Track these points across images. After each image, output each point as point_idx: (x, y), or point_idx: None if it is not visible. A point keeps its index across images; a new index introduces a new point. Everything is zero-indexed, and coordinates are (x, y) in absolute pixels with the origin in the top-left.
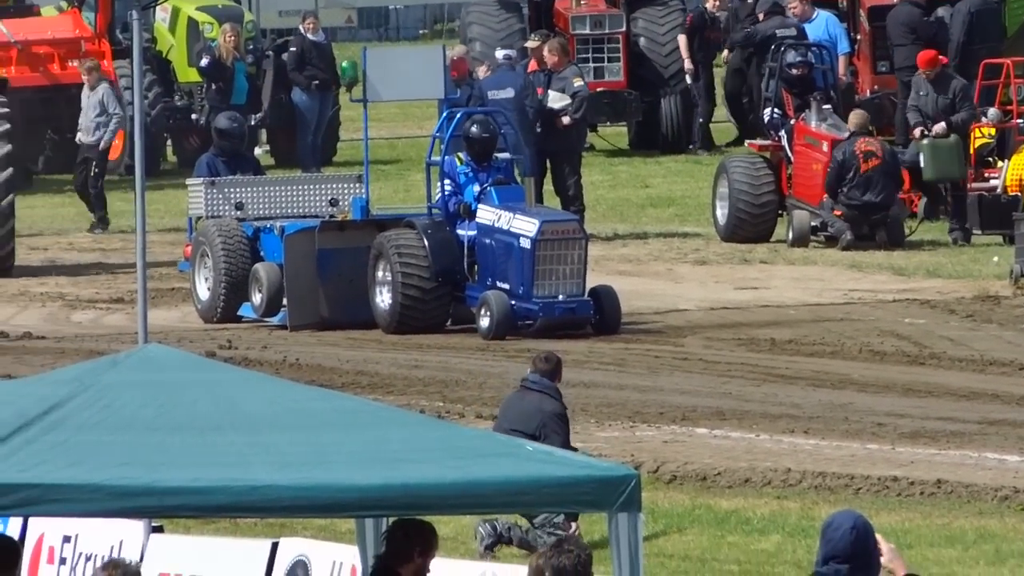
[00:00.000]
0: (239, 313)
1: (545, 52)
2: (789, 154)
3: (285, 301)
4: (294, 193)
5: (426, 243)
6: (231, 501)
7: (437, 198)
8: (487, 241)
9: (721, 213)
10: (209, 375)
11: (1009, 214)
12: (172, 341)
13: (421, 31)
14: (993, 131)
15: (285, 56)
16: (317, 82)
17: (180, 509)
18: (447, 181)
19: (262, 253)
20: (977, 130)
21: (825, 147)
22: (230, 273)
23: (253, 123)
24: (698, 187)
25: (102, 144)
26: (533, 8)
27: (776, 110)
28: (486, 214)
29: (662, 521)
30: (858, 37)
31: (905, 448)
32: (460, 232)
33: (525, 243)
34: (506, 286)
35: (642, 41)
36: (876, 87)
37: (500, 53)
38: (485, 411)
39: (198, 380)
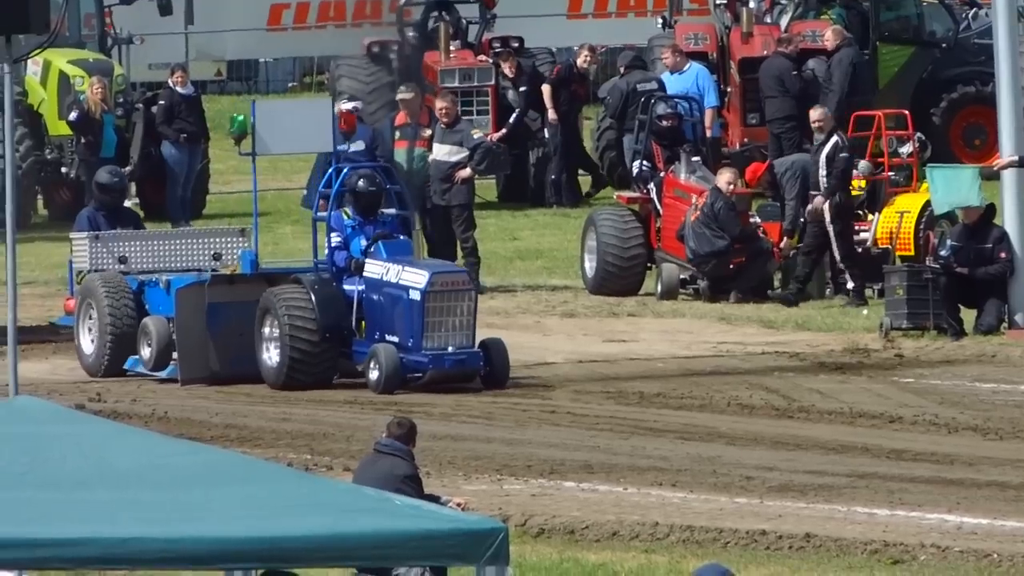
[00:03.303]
0: (125, 367)
1: (443, 105)
2: (658, 207)
3: (175, 355)
4: (177, 247)
5: (313, 299)
6: (100, 553)
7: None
8: (375, 296)
9: (589, 266)
10: (78, 428)
11: (879, 267)
12: (42, 393)
13: (290, 84)
14: (864, 184)
15: (154, 109)
16: (186, 135)
17: (49, 561)
18: (334, 235)
19: (147, 307)
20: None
21: (694, 199)
22: (115, 327)
23: None
24: (566, 240)
25: None
26: (402, 61)
27: (645, 162)
28: (374, 268)
29: (530, 575)
30: (728, 89)
31: (774, 501)
32: (347, 287)
33: (414, 295)
34: (395, 339)
35: (510, 94)
36: (746, 139)
37: (347, 105)
38: (352, 464)
39: (68, 433)
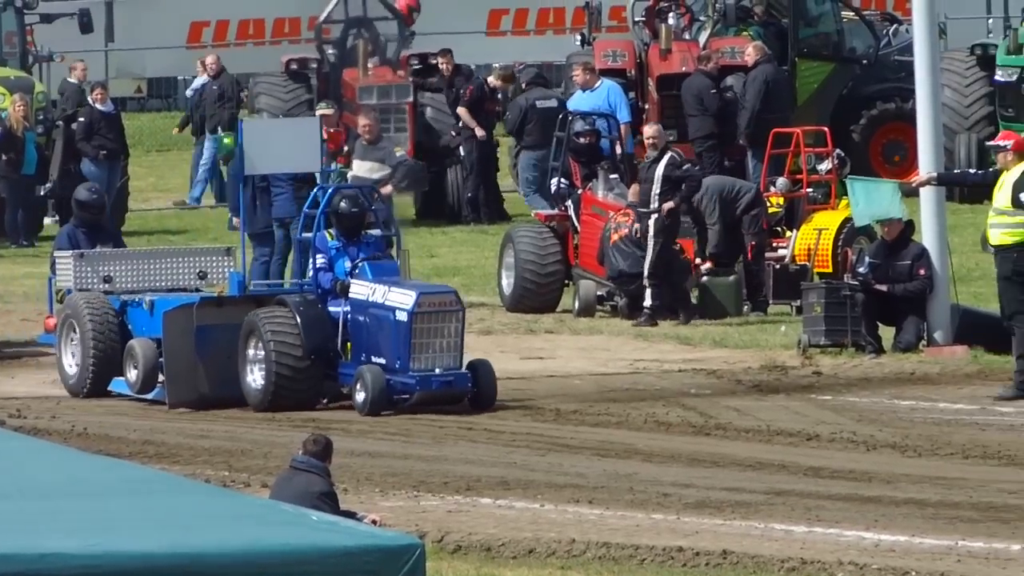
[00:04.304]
0: (110, 388)
1: (366, 123)
2: (576, 224)
3: (163, 378)
4: (162, 266)
5: (298, 320)
6: (21, 569)
7: (309, 275)
8: (360, 317)
9: (507, 283)
10: None
11: (797, 284)
12: None
13: None
14: (782, 201)
15: (74, 126)
16: (105, 152)
17: None
18: (319, 257)
19: (130, 327)
20: (767, 199)
21: (611, 217)
22: (99, 348)
23: (42, 193)
24: (484, 257)
25: None
26: (321, 78)
27: (563, 180)
28: (360, 289)
29: None
30: (646, 106)
31: (690, 518)
32: (333, 309)
33: (401, 316)
34: (381, 361)
35: (428, 111)
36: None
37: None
38: (270, 481)
39: None
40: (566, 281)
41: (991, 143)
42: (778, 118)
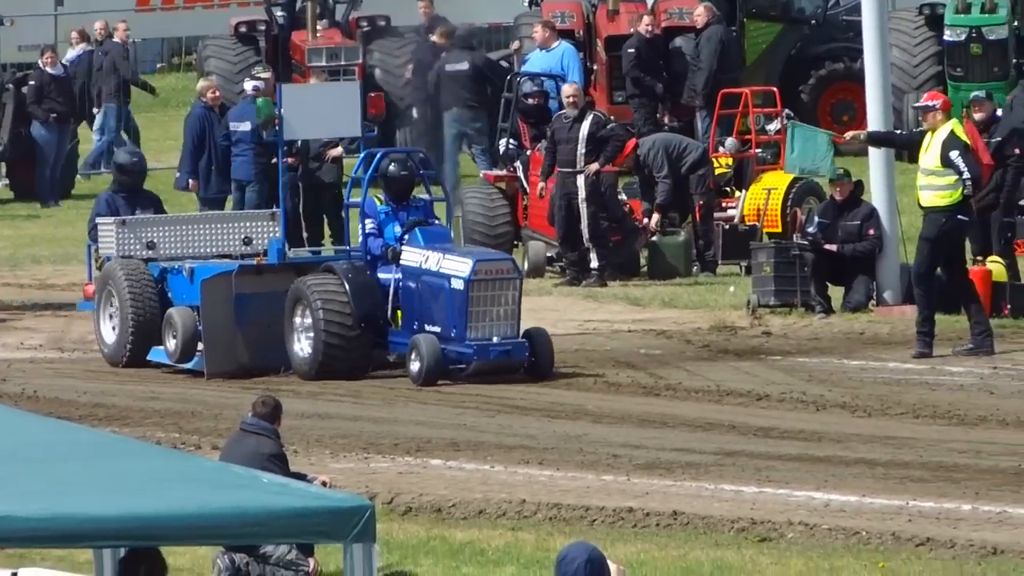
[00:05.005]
0: (149, 358)
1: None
2: (525, 185)
3: (201, 347)
4: (207, 232)
5: (347, 287)
6: None
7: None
8: (412, 285)
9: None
10: None
11: (747, 244)
12: None
13: (159, 65)
14: (731, 161)
15: (24, 89)
16: (55, 115)
17: None
18: (368, 222)
19: (169, 295)
20: (715, 160)
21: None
22: (137, 316)
23: None
24: None
25: None
26: (270, 41)
27: (512, 141)
28: (412, 256)
29: (396, 552)
30: (595, 67)
31: (640, 479)
32: (382, 276)
33: (457, 284)
34: (435, 330)
35: (377, 73)
36: (612, 117)
37: (249, 84)
38: (221, 442)
39: None
40: (515, 242)
41: (917, 104)
42: (730, 78)
